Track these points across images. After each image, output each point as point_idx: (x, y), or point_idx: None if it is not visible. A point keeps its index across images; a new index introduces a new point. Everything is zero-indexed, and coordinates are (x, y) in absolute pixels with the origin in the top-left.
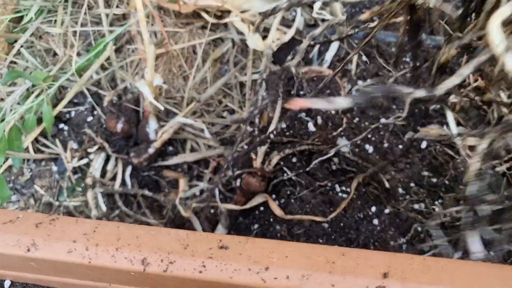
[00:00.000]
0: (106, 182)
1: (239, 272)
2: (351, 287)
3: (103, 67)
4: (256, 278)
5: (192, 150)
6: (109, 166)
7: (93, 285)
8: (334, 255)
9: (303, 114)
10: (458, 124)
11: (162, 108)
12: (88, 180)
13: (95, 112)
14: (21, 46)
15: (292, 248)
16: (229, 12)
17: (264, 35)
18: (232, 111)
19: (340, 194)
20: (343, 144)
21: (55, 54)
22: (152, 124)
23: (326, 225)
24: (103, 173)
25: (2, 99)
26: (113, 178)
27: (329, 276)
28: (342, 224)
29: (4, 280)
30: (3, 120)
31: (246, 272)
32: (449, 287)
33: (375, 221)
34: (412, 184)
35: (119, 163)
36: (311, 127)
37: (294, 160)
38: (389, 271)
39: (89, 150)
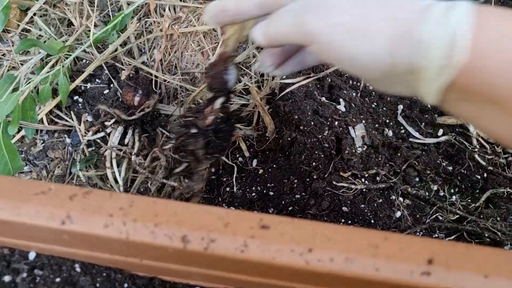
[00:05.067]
0: (123, 156)
1: (281, 253)
2: (396, 272)
3: None
4: (299, 259)
5: None
6: (126, 140)
7: (122, 260)
8: (376, 239)
9: (323, 98)
10: None
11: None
12: (106, 153)
13: (112, 85)
14: (34, 14)
15: (334, 230)
16: None
17: None
18: (248, 91)
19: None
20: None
21: (69, 24)
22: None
23: (345, 209)
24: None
25: (14, 68)
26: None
27: (373, 260)
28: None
29: (29, 252)
30: (16, 89)
31: (289, 253)
32: (495, 275)
33: (393, 208)
34: (428, 172)
35: (136, 137)
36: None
37: None
38: (434, 258)
39: (106, 123)
